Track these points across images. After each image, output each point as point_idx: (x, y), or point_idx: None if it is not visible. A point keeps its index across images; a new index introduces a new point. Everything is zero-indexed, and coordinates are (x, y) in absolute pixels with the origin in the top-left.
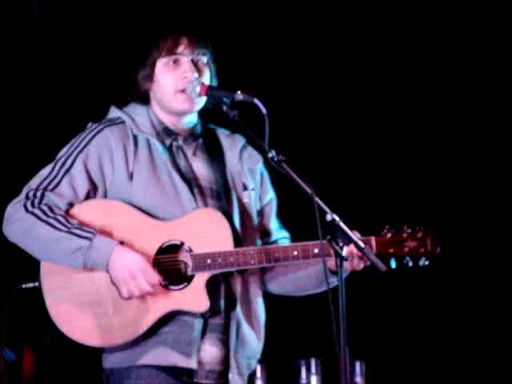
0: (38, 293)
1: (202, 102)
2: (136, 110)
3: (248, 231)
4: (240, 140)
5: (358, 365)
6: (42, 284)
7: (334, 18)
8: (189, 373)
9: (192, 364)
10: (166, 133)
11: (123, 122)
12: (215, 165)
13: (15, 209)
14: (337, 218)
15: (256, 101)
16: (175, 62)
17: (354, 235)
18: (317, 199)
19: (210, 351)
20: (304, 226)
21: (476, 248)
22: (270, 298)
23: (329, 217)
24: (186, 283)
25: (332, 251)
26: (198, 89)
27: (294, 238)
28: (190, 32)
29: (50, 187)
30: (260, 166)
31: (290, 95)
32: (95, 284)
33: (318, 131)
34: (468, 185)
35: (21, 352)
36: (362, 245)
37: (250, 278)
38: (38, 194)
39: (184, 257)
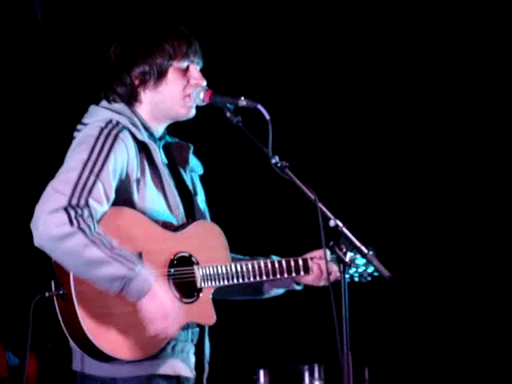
0: (62, 300)
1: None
2: (126, 112)
3: None
4: (189, 147)
5: (361, 371)
6: (72, 292)
7: (337, 26)
8: (187, 381)
9: (189, 373)
10: (152, 138)
11: (124, 127)
12: (176, 172)
13: (56, 219)
14: (340, 224)
15: (259, 107)
16: (186, 67)
17: (358, 241)
18: (320, 205)
19: (193, 359)
20: (307, 231)
21: (482, 258)
22: (273, 305)
23: (332, 222)
24: (196, 296)
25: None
26: (201, 95)
27: (297, 244)
28: (198, 45)
29: (85, 193)
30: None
31: (294, 101)
32: (123, 298)
33: (320, 137)
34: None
35: (24, 356)
36: (365, 250)
37: None
38: (82, 201)
39: (192, 269)
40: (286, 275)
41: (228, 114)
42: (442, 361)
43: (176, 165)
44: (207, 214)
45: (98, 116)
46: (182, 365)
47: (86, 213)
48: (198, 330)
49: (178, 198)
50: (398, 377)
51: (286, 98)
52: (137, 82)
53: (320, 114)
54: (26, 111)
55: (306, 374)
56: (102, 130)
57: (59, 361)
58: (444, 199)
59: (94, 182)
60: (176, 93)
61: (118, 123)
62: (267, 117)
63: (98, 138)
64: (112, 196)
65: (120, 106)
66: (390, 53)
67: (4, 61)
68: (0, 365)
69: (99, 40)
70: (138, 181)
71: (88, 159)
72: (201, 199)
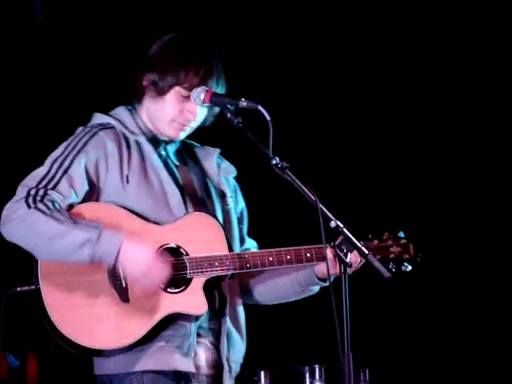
0: (34, 295)
1: (188, 131)
2: (122, 116)
3: (230, 237)
4: (215, 151)
5: (361, 372)
6: (40, 286)
7: (337, 27)
8: (187, 377)
9: (191, 368)
10: (154, 140)
11: (113, 127)
12: (196, 174)
13: (16, 207)
14: (341, 225)
15: (260, 108)
16: (188, 96)
17: (358, 242)
18: (321, 206)
19: (204, 355)
20: (308, 233)
21: (481, 257)
22: (273, 305)
23: (333, 223)
24: (184, 286)
25: (325, 256)
26: (202, 95)
27: (297, 245)
28: (217, 81)
29: (50, 186)
30: (233, 177)
31: (295, 102)
32: (94, 287)
33: (321, 138)
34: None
35: (25, 358)
36: (365, 251)
37: (233, 285)
38: (41, 191)
39: (180, 260)
40: (294, 264)
41: (228, 115)
42: (442, 361)
43: (194, 167)
44: (233, 215)
45: (94, 121)
46: (180, 359)
47: (45, 199)
48: (213, 327)
49: (179, 196)
50: (399, 377)
51: (286, 99)
52: (145, 84)
53: (321, 115)
54: (26, 112)
55: (307, 375)
56: (83, 129)
57: (60, 362)
58: (443, 199)
59: (61, 176)
60: (166, 113)
61: (106, 124)
62: (268, 118)
63: (75, 137)
64: (83, 189)
65: (119, 110)
66: (390, 53)
67: (3, 61)
68: (0, 367)
69: (99, 40)
70: (127, 177)
71: (60, 155)
72: (232, 200)
